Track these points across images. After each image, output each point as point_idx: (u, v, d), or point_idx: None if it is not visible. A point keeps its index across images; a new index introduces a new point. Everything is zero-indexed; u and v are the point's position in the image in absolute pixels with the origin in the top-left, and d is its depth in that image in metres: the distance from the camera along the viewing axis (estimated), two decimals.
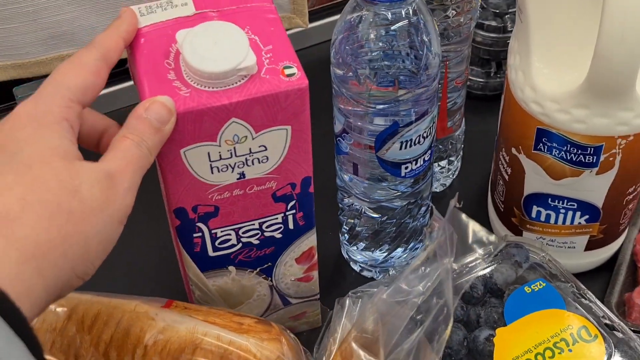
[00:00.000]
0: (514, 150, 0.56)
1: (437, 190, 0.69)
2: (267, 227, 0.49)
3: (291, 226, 0.50)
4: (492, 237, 0.53)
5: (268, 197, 0.47)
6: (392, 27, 0.48)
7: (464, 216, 0.51)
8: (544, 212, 0.57)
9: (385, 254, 0.59)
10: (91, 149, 0.44)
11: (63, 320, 0.47)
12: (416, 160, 0.52)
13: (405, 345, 0.46)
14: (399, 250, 0.59)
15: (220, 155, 0.44)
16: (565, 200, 0.55)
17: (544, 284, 0.50)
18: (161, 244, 0.60)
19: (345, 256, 0.63)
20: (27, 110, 0.38)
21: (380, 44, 0.49)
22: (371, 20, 0.48)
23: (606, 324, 0.48)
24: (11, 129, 0.38)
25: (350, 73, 0.49)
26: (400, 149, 0.51)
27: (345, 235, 0.61)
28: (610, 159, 0.52)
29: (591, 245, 0.59)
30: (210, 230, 0.48)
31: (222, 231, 0.48)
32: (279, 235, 0.50)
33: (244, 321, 0.48)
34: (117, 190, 0.38)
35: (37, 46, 0.71)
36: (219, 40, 0.42)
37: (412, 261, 0.49)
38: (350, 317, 0.52)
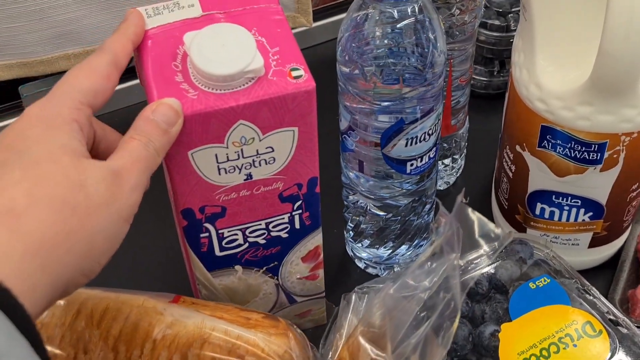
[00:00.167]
0: (518, 148, 0.56)
1: (441, 188, 0.69)
2: (273, 227, 0.49)
3: (297, 226, 0.50)
4: (499, 231, 0.53)
5: (275, 197, 0.48)
6: (398, 25, 0.48)
7: (470, 211, 0.51)
8: (547, 209, 0.57)
9: (389, 251, 0.60)
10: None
11: (72, 314, 0.47)
12: (421, 157, 0.53)
13: (412, 339, 0.46)
14: (404, 247, 0.60)
15: (227, 157, 0.44)
16: (569, 198, 0.55)
17: (549, 280, 0.51)
18: (168, 244, 0.61)
19: (350, 253, 0.64)
20: (37, 111, 0.39)
21: (386, 42, 0.49)
22: (377, 18, 0.49)
23: (610, 320, 0.49)
24: (21, 128, 0.38)
25: (357, 71, 0.49)
26: (406, 145, 0.51)
27: (350, 232, 0.61)
28: (614, 156, 0.52)
29: (595, 242, 0.59)
30: (217, 231, 0.48)
31: (229, 231, 0.48)
32: (286, 235, 0.50)
33: (251, 316, 0.48)
34: (123, 188, 0.38)
35: (42, 45, 0.71)
36: (227, 42, 0.42)
37: (419, 256, 0.50)
38: (357, 313, 0.52)
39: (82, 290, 0.48)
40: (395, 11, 0.48)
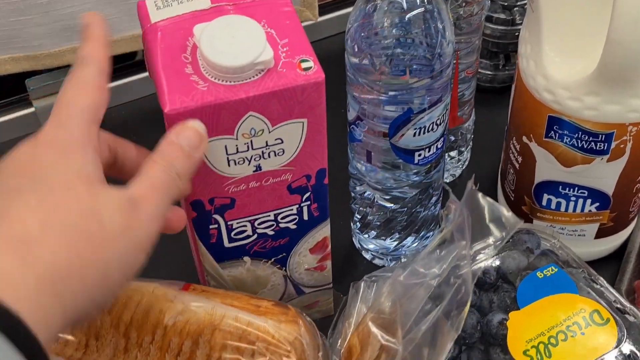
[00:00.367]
0: (524, 139, 0.56)
1: (447, 181, 0.69)
2: (282, 218, 0.50)
3: (306, 217, 0.50)
4: (510, 214, 0.53)
5: (283, 189, 0.48)
6: (407, 15, 0.48)
7: (481, 196, 0.51)
8: (554, 200, 0.57)
9: (396, 242, 0.60)
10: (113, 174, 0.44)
11: None
12: (429, 148, 0.53)
13: (422, 325, 0.46)
14: (410, 239, 0.60)
15: (237, 149, 0.45)
16: (576, 188, 0.56)
17: (556, 270, 0.51)
18: (177, 235, 0.61)
19: (357, 245, 0.64)
20: (49, 136, 0.38)
21: (395, 32, 0.49)
22: (386, 8, 0.49)
23: (618, 309, 0.49)
24: (34, 153, 0.37)
25: (366, 61, 0.49)
26: (414, 135, 0.51)
27: (357, 224, 0.61)
28: (621, 146, 0.52)
29: (601, 233, 0.59)
30: (226, 222, 0.48)
31: (237, 223, 0.49)
32: (294, 226, 0.50)
33: (261, 304, 0.49)
34: (140, 217, 0.37)
35: (50, 38, 0.71)
36: (237, 34, 0.42)
37: (428, 244, 0.50)
38: (366, 301, 0.52)
39: None
40: (404, 1, 0.48)
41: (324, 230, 0.52)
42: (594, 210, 0.57)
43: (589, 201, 0.56)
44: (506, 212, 0.52)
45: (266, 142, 0.45)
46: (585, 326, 0.48)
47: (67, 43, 0.73)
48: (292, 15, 0.46)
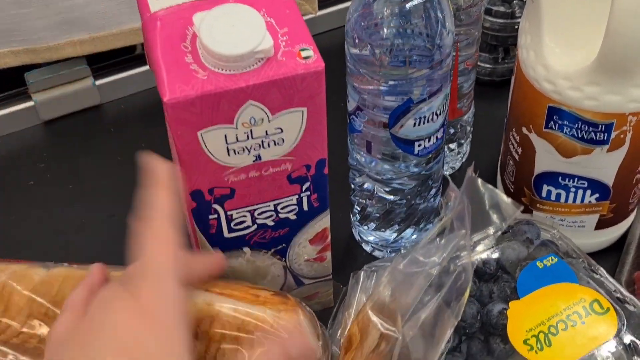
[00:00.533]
0: (524, 130, 0.56)
1: (447, 174, 0.69)
2: (282, 208, 0.50)
3: (306, 207, 0.50)
4: (509, 200, 0.53)
5: (283, 178, 0.48)
6: (407, 5, 0.48)
7: (480, 183, 0.51)
8: (554, 191, 0.57)
9: (395, 234, 0.60)
10: None
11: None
12: (429, 138, 0.53)
13: (422, 313, 0.46)
14: (409, 231, 0.60)
15: (237, 138, 0.45)
16: (576, 179, 0.56)
17: (556, 259, 0.51)
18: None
19: (357, 237, 0.64)
20: (150, 311, 0.37)
21: (395, 22, 0.49)
22: None
23: (618, 298, 0.49)
24: (133, 328, 0.37)
25: (366, 51, 0.49)
26: (414, 126, 0.51)
27: (357, 215, 0.61)
28: (621, 136, 0.52)
29: (601, 225, 0.59)
30: (225, 212, 0.48)
31: (237, 213, 0.49)
32: (294, 217, 0.50)
33: (261, 294, 0.49)
34: None
35: (49, 31, 0.71)
36: (236, 23, 0.42)
37: (428, 232, 0.50)
38: (365, 290, 0.52)
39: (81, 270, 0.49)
40: None
41: (323, 221, 0.52)
42: (593, 201, 0.57)
43: (588, 192, 0.56)
44: (505, 199, 0.52)
45: (266, 131, 0.45)
46: (586, 315, 0.48)
47: (66, 36, 0.73)
48: (291, 4, 0.46)
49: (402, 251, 0.61)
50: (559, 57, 0.52)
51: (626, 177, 0.55)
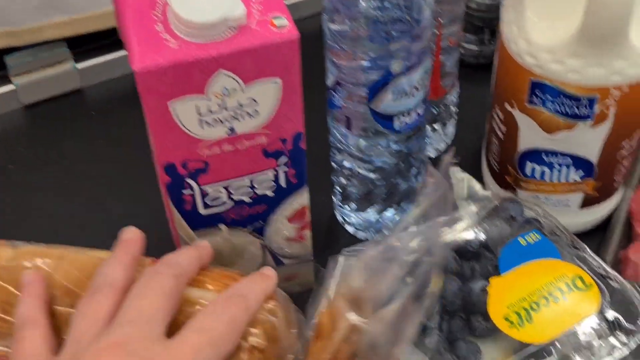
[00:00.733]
0: (507, 106, 0.55)
1: (432, 156, 0.68)
2: (258, 184, 0.49)
3: (283, 184, 0.49)
4: (488, 193, 0.53)
5: (259, 152, 0.47)
6: None
7: (458, 170, 0.51)
8: (538, 169, 0.56)
9: (376, 214, 0.59)
10: None
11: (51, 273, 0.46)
12: (409, 113, 0.52)
13: (392, 304, 0.45)
14: (391, 211, 0.59)
15: (209, 109, 0.44)
16: (560, 156, 0.55)
17: (539, 236, 0.50)
18: (152, 206, 0.60)
19: (340, 219, 0.63)
20: None
21: None
22: None
23: (601, 274, 0.48)
24: None
25: (344, 26, 0.48)
26: (394, 100, 0.50)
27: (338, 196, 0.60)
28: (605, 110, 0.51)
29: (586, 203, 0.58)
30: (200, 187, 0.47)
31: (212, 188, 0.48)
32: (271, 193, 0.49)
33: (231, 283, 0.47)
34: None
35: (29, 14, 0.70)
36: None
37: (404, 218, 0.49)
38: (342, 276, 0.51)
39: (62, 250, 0.48)
40: None
41: (302, 199, 0.51)
42: (578, 179, 0.56)
43: (573, 169, 0.55)
44: (483, 191, 0.51)
45: (239, 102, 0.44)
46: (568, 291, 0.47)
47: (46, 19, 0.72)
48: None
49: (385, 232, 0.60)
50: (541, 31, 0.51)
51: (610, 153, 0.54)
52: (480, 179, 0.65)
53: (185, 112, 0.43)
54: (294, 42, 0.43)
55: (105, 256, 0.46)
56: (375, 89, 0.50)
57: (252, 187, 0.48)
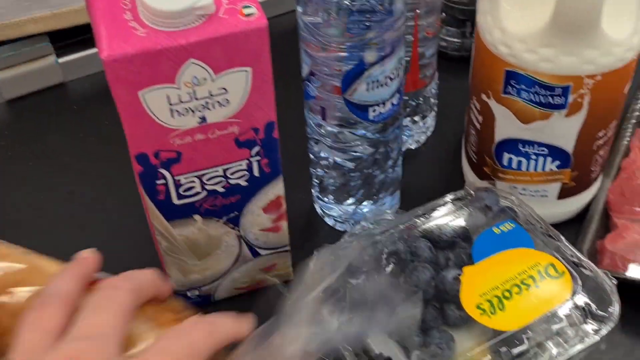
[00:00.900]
0: (484, 97, 0.55)
1: (412, 147, 0.69)
2: (231, 174, 0.49)
3: (256, 173, 0.49)
4: None
5: (231, 142, 0.47)
6: None
7: None
8: (515, 159, 0.56)
9: (353, 206, 0.59)
10: None
11: None
12: (384, 104, 0.52)
13: None
14: (368, 202, 0.59)
15: (180, 98, 0.44)
16: (536, 146, 0.55)
17: (513, 225, 0.50)
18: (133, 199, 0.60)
19: (319, 212, 0.63)
20: None
21: None
22: None
23: (574, 262, 0.48)
24: None
25: (317, 17, 0.48)
26: (367, 90, 0.50)
27: (316, 188, 0.60)
28: (579, 100, 0.51)
29: (564, 194, 0.58)
30: (173, 177, 0.47)
31: (185, 178, 0.48)
32: (244, 183, 0.49)
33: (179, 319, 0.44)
34: None
35: (10, 8, 0.70)
36: None
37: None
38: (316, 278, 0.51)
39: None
40: None
41: (277, 189, 0.51)
42: (554, 168, 0.56)
43: (549, 159, 0.55)
44: None
45: (210, 92, 0.44)
46: (540, 279, 0.47)
47: (28, 13, 0.72)
48: None
49: (363, 223, 0.60)
50: (515, 20, 0.51)
51: (586, 143, 0.54)
52: (460, 171, 0.65)
53: (156, 101, 0.43)
54: (263, 30, 0.43)
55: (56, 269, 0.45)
56: (349, 79, 0.50)
57: (226, 176, 0.48)
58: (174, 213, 0.49)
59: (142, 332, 0.41)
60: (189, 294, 0.56)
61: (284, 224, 0.54)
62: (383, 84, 0.51)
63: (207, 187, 0.49)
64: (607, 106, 0.53)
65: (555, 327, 0.46)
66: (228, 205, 0.50)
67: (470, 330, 0.47)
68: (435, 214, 0.52)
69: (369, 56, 0.49)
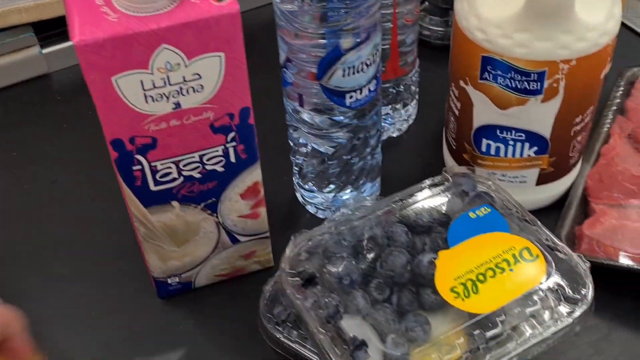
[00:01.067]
0: (461, 83, 0.56)
1: (394, 135, 0.69)
2: (207, 160, 0.49)
3: (233, 159, 0.49)
4: None
5: (206, 128, 0.47)
6: None
7: None
8: (493, 145, 0.57)
9: (333, 193, 0.59)
10: None
11: None
12: (361, 90, 0.52)
13: None
14: (348, 189, 0.59)
15: (153, 84, 0.44)
16: (514, 131, 0.55)
17: (489, 210, 0.50)
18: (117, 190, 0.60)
19: (301, 200, 0.63)
20: None
21: None
22: None
23: (549, 246, 0.48)
24: None
25: (293, 5, 0.49)
26: (344, 76, 0.50)
27: (297, 175, 0.61)
28: (554, 85, 0.51)
29: (542, 180, 0.58)
30: (149, 163, 0.47)
31: (162, 164, 0.48)
32: (221, 169, 0.50)
33: None
34: None
35: None
36: None
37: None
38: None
39: None
40: None
41: (254, 175, 0.51)
42: (532, 154, 0.56)
43: (527, 145, 0.56)
44: None
45: (183, 77, 0.44)
46: (515, 263, 0.47)
47: (11, 3, 0.73)
48: None
49: (342, 210, 0.60)
50: (490, 6, 0.52)
51: (563, 128, 0.55)
52: (441, 159, 0.65)
53: (130, 87, 0.43)
54: (235, 15, 0.43)
55: None
56: (325, 65, 0.50)
57: (202, 162, 0.49)
58: (151, 199, 0.50)
59: None
60: (169, 280, 0.56)
61: (262, 211, 0.54)
62: (359, 70, 0.51)
63: (184, 173, 0.49)
64: (583, 92, 0.53)
65: (529, 309, 0.46)
66: (205, 192, 0.51)
67: (446, 314, 0.47)
68: (413, 199, 0.52)
69: (345, 42, 0.49)
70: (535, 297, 0.46)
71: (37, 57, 0.75)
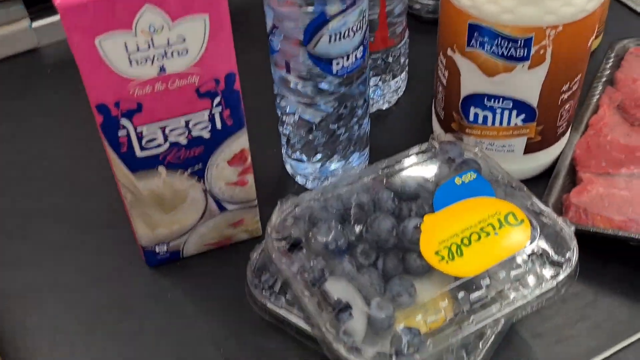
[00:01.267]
0: (449, 51, 0.56)
1: (383, 108, 0.69)
2: (193, 125, 0.49)
3: (219, 125, 0.49)
4: None
5: (192, 92, 0.47)
6: None
7: None
8: (481, 114, 0.57)
9: (320, 163, 0.59)
10: None
11: None
12: (347, 57, 0.52)
13: None
14: (335, 159, 0.59)
15: (137, 47, 0.44)
16: (501, 100, 0.55)
17: (475, 175, 0.50)
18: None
19: (290, 170, 0.63)
20: None
21: None
22: None
23: (534, 211, 0.48)
24: None
25: None
26: (330, 42, 0.50)
27: (285, 145, 0.61)
28: (541, 51, 0.51)
29: (530, 149, 0.58)
30: (135, 128, 0.47)
31: (147, 129, 0.48)
32: (207, 135, 0.50)
33: None
34: None
35: None
36: None
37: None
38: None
39: None
40: None
41: (240, 141, 0.51)
42: (520, 123, 0.56)
43: (514, 113, 0.56)
44: None
45: (168, 40, 0.44)
46: (499, 227, 0.47)
47: None
48: None
49: (331, 178, 0.60)
50: None
51: (550, 96, 0.55)
52: (431, 131, 0.65)
53: (113, 49, 0.43)
54: None
55: None
56: (310, 31, 0.50)
57: (188, 128, 0.49)
58: (138, 165, 0.50)
59: None
60: (157, 249, 0.56)
61: (249, 178, 0.54)
62: (345, 36, 0.51)
63: (170, 139, 0.49)
64: (570, 58, 0.53)
65: (513, 273, 0.46)
66: (192, 158, 0.51)
67: (431, 278, 0.48)
68: (400, 166, 0.53)
69: (331, 8, 0.49)
70: (520, 261, 0.46)
71: (27, 30, 0.75)
